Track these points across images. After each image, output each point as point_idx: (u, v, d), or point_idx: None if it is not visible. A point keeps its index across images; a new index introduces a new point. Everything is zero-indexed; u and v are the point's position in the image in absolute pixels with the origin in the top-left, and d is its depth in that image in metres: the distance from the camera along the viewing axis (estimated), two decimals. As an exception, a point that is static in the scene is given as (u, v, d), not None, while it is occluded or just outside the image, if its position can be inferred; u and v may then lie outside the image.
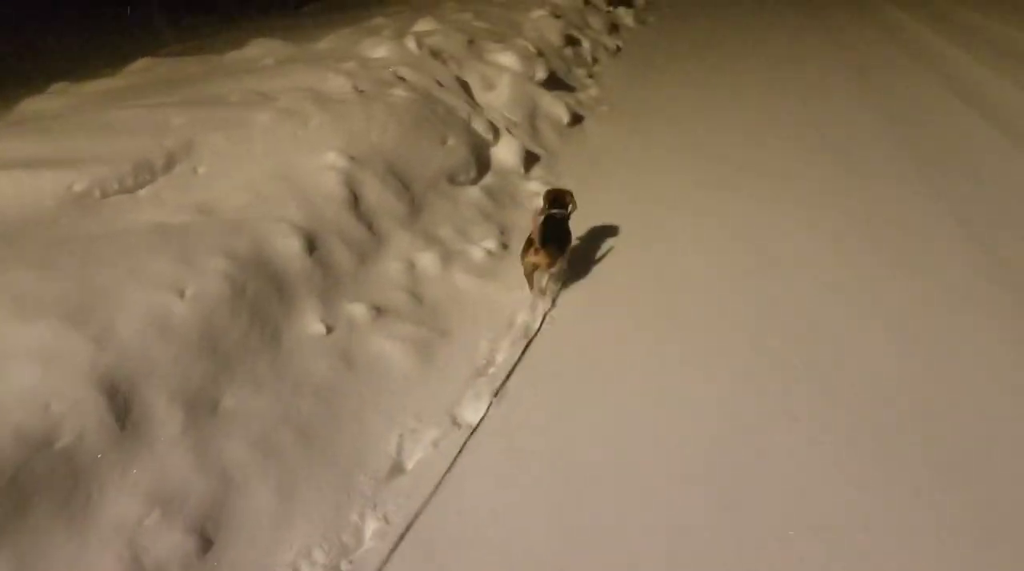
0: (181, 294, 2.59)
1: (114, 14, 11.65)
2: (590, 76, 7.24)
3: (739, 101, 6.17)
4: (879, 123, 5.40)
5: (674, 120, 5.90)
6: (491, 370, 2.85)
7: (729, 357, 2.81)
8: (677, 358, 2.84)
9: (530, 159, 4.99)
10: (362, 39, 5.61)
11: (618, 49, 8.39)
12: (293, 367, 2.64)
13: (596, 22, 8.86)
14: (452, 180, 4.28)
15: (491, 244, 3.78)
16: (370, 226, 3.53)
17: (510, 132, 5.10)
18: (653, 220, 4.12)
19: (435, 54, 5.57)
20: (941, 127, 5.22)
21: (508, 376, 2.79)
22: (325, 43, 5.74)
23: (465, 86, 5.48)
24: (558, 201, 3.52)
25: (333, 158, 3.73)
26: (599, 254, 3.80)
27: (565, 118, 5.74)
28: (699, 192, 4.45)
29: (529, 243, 3.20)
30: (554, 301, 3.35)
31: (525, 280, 3.34)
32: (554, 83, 6.38)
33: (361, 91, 4.52)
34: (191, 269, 2.72)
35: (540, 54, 6.68)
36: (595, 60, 7.79)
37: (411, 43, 5.44)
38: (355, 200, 3.58)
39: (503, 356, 2.94)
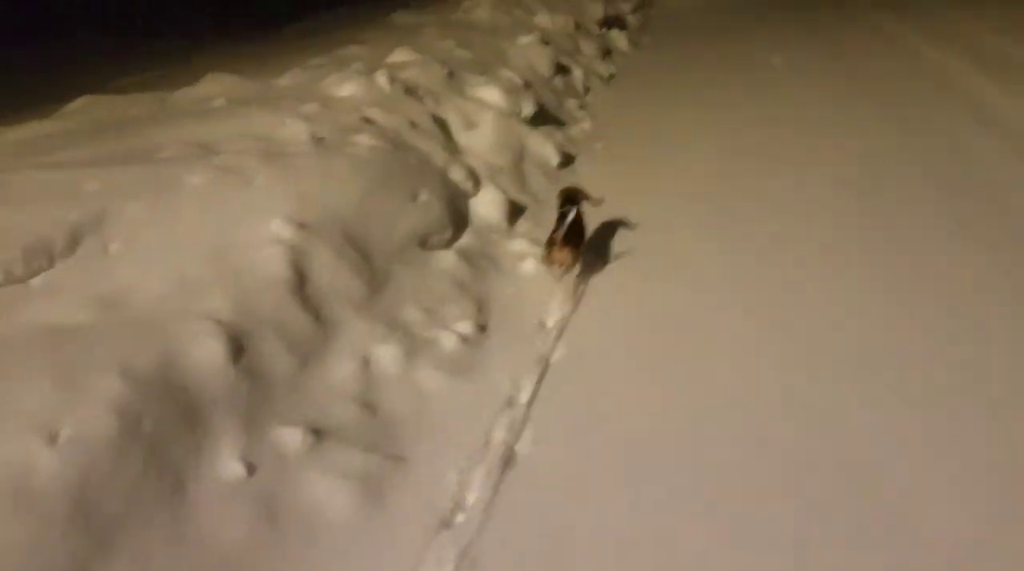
0: (53, 439, 1.99)
1: (86, 36, 11.12)
2: (582, 107, 6.70)
3: (741, 131, 5.61)
4: (897, 153, 4.83)
5: (672, 158, 5.34)
6: (459, 518, 2.26)
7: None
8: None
9: (515, 211, 4.41)
10: (329, 74, 5.03)
11: (612, 76, 7.86)
12: (198, 530, 2.03)
13: (588, 47, 8.34)
14: (423, 244, 3.70)
15: (466, 327, 3.19)
16: (317, 314, 2.94)
17: (493, 180, 4.52)
18: (659, 296, 3.54)
19: (410, 90, 5.00)
20: (980, 172, 4.65)
21: (481, 522, 2.20)
22: (287, 79, 5.18)
23: (443, 126, 4.91)
24: (572, 199, 3.65)
25: (278, 228, 3.14)
26: (600, 342, 3.22)
27: (555, 159, 5.17)
28: (706, 253, 3.87)
29: (551, 242, 3.43)
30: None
31: (503, 376, 2.90)
32: (543, 117, 5.82)
33: (320, 139, 3.94)
34: (73, 396, 2.12)
35: (528, 86, 6.13)
36: (587, 89, 7.25)
37: (382, 79, 4.87)
38: (301, 281, 2.99)
39: (475, 495, 2.34)
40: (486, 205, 4.28)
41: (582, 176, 5.13)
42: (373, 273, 3.29)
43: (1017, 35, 6.86)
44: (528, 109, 5.56)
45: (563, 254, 3.40)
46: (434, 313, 3.25)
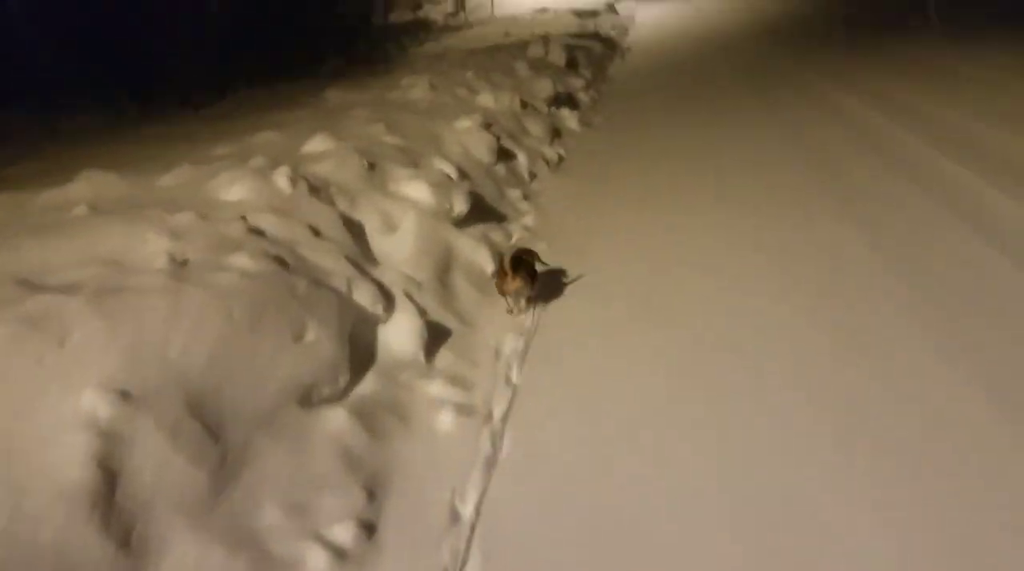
0: None
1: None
2: (526, 197, 6.06)
3: (702, 228, 5.00)
4: (865, 248, 4.25)
5: (625, 257, 4.68)
6: None
7: None
8: None
9: (436, 337, 3.64)
10: (220, 172, 4.30)
11: (560, 160, 7.30)
12: None
13: (535, 127, 7.80)
14: (305, 400, 2.89)
15: (345, 532, 2.37)
16: (126, 537, 2.09)
17: (411, 298, 3.77)
18: (608, 434, 2.79)
19: (317, 189, 4.28)
20: (948, 264, 4.06)
21: None
22: (172, 177, 4.41)
23: (356, 231, 4.20)
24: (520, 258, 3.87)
25: (90, 402, 2.32)
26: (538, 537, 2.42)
27: (489, 267, 4.46)
28: (659, 381, 3.15)
29: (502, 274, 3.78)
30: None
31: None
32: (480, 212, 5.16)
33: (183, 263, 3.16)
34: None
35: (463, 176, 5.49)
36: (533, 175, 6.65)
37: (282, 178, 4.14)
38: (110, 486, 2.15)
39: None
40: (399, 334, 3.51)
41: (520, 286, 4.43)
42: (223, 457, 2.46)
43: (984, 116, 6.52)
44: (460, 206, 4.89)
45: (516, 282, 3.74)
46: (304, 512, 2.42)
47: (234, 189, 4.07)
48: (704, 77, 11.40)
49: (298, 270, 3.45)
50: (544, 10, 21.06)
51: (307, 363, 2.98)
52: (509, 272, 3.72)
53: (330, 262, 3.69)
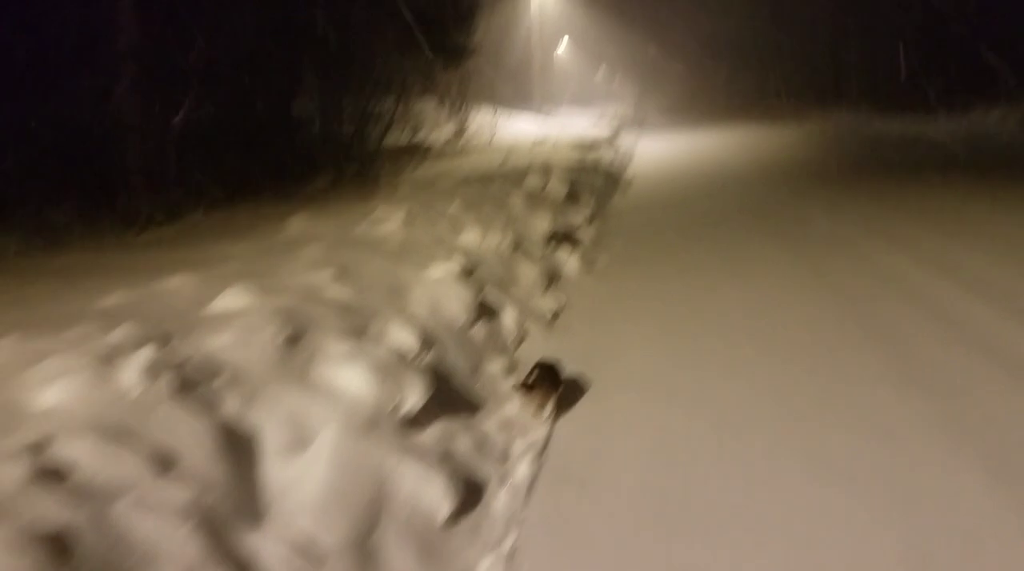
0: None
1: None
2: (510, 371, 4.66)
3: (734, 430, 3.58)
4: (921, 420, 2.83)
5: (644, 482, 3.21)
6: None
7: None
8: None
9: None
10: (51, 353, 2.89)
11: (556, 315, 5.97)
12: None
13: (528, 271, 6.55)
14: None
15: None
16: None
17: (302, 587, 2.26)
18: None
19: (189, 386, 2.87)
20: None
21: None
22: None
23: (242, 454, 2.75)
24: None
25: None
26: None
27: (444, 508, 2.96)
28: None
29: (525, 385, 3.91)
30: None
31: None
32: (443, 403, 3.73)
33: None
34: None
35: (428, 344, 4.12)
36: (522, 338, 5.29)
37: (132, 371, 2.74)
38: None
39: None
40: None
41: (490, 542, 2.91)
42: None
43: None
44: (413, 398, 3.47)
45: (537, 395, 3.86)
46: None
47: (55, 388, 2.64)
48: (713, 217, 10.37)
49: (98, 547, 1.96)
50: (544, 139, 20.72)
51: None
52: (529, 383, 3.91)
53: (169, 528, 2.21)
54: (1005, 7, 25.67)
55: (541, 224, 8.04)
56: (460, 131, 24.45)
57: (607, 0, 56.44)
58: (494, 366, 4.62)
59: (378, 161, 15.49)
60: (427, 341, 4.17)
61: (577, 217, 9.42)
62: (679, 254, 8.19)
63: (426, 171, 15.19)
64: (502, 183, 10.41)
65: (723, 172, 16.01)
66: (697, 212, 11.03)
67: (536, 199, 9.28)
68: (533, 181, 10.39)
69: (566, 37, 65.74)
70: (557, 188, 10.26)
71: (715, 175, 15.63)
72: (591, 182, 12.19)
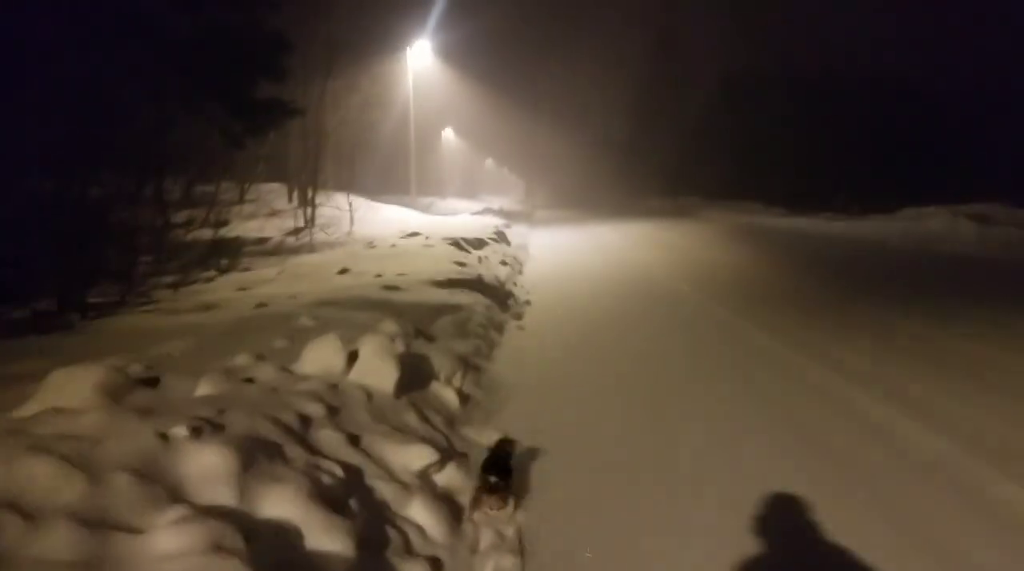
0: None
1: None
2: None
3: None
4: None
5: None
6: None
7: None
8: None
9: None
10: None
11: None
12: None
13: None
14: None
15: None
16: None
17: None
18: None
19: None
20: None
21: None
22: None
23: None
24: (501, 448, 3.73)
25: None
26: None
27: None
28: None
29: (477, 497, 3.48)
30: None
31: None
32: None
33: None
34: None
35: None
36: None
37: None
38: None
39: None
40: None
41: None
42: None
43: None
44: None
45: (492, 498, 3.46)
46: None
47: None
48: (651, 363, 6.11)
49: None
50: (415, 234, 16.29)
51: None
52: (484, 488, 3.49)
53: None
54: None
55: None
56: (309, 220, 19.66)
57: (494, 89, 54.76)
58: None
59: (166, 271, 10.30)
60: None
61: (412, 454, 4.50)
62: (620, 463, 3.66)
63: (223, 283, 10.24)
64: (266, 336, 5.46)
65: (638, 281, 12.06)
66: (623, 355, 6.72)
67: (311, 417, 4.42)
68: (318, 353, 4.97)
69: (448, 128, 63.29)
70: (374, 371, 4.88)
71: (630, 285, 11.66)
72: (464, 319, 7.60)
